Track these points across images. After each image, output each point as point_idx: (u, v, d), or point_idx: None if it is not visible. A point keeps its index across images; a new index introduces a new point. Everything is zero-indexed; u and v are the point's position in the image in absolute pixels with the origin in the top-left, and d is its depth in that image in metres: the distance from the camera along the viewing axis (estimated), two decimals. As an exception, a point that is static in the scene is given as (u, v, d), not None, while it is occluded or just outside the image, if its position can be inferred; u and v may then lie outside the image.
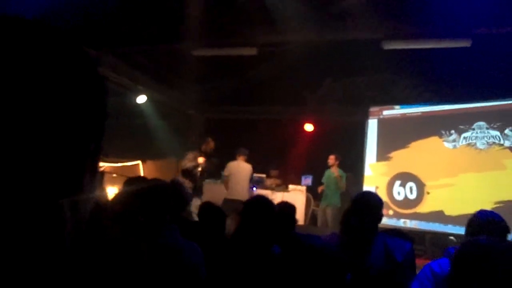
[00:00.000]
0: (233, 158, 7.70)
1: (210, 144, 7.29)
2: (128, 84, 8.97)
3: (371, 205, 2.48)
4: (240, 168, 7.32)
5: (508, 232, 2.34)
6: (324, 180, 7.88)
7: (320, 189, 7.87)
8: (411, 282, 2.22)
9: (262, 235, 2.07)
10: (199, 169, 7.10)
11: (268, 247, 2.07)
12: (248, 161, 7.62)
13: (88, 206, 0.50)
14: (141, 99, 9.26)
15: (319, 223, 7.74)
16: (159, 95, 9.77)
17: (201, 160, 7.03)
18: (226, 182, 7.42)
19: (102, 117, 0.51)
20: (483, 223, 2.28)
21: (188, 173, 6.91)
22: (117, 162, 10.05)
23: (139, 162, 10.87)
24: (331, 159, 7.81)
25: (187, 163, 6.98)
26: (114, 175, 9.21)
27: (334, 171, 7.69)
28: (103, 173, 8.90)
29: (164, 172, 10.50)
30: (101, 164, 8.21)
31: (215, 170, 9.94)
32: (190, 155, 7.11)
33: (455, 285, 1.80)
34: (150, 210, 2.02)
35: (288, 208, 3.04)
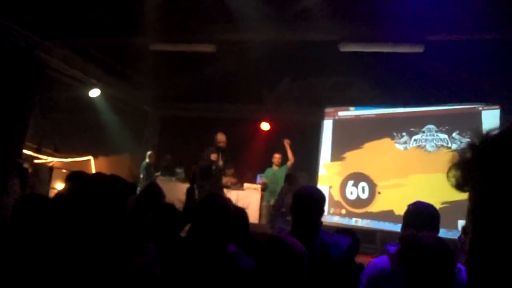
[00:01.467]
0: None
1: (218, 138, 6.62)
2: (81, 77, 8.65)
3: (312, 199, 2.42)
4: None
5: (438, 218, 2.46)
6: (267, 177, 7.95)
7: (262, 181, 7.94)
8: (348, 279, 2.26)
9: (216, 233, 2.03)
10: (214, 167, 6.61)
11: (222, 246, 2.03)
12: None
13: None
14: (94, 93, 8.95)
15: (264, 220, 7.77)
16: (113, 90, 9.48)
17: (214, 157, 6.51)
18: None
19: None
20: (416, 213, 2.40)
21: (205, 173, 6.41)
22: (67, 157, 9.64)
23: (90, 157, 10.48)
24: (279, 158, 7.92)
25: (202, 163, 6.50)
26: (64, 170, 8.83)
27: (277, 168, 7.85)
28: (51, 168, 8.53)
29: (117, 168, 10.17)
30: (50, 159, 7.84)
31: (171, 167, 9.80)
32: (205, 154, 6.60)
33: (398, 279, 1.86)
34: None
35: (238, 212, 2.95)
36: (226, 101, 9.79)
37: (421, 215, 2.39)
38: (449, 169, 0.69)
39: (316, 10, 5.95)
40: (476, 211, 0.65)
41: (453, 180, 0.69)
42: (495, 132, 0.68)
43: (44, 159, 8.86)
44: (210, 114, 10.13)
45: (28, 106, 6.83)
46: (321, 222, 2.48)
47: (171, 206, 3.19)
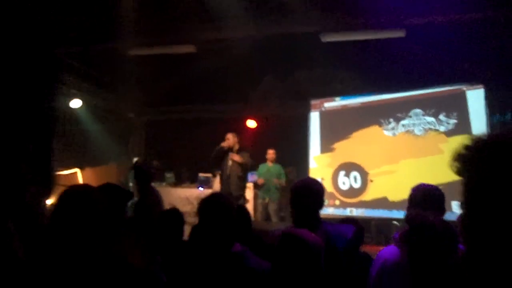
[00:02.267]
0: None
1: (229, 141, 6.54)
2: (61, 89, 8.45)
3: (310, 191, 2.38)
4: None
5: (443, 199, 2.46)
6: (261, 174, 7.90)
7: (260, 181, 7.87)
8: (354, 269, 2.22)
9: (221, 233, 1.96)
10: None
11: (228, 246, 1.96)
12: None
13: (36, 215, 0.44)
14: (75, 103, 8.76)
15: (259, 217, 7.74)
16: (95, 99, 9.31)
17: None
18: None
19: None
20: (422, 196, 2.38)
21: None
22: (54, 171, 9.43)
23: (77, 170, 10.29)
24: (273, 154, 7.90)
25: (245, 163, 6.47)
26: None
27: (271, 164, 7.82)
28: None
29: (105, 178, 9.97)
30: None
31: (158, 173, 9.68)
32: (245, 156, 6.56)
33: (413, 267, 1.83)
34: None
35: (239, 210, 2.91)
36: (211, 101, 9.70)
37: (425, 197, 2.37)
38: (452, 160, 0.91)
39: (295, 2, 5.91)
40: (469, 193, 0.88)
41: (454, 168, 0.91)
42: (485, 137, 0.89)
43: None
44: (195, 115, 10.05)
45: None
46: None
47: (174, 210, 3.12)
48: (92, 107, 9.26)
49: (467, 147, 0.89)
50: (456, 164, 0.91)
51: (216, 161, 6.54)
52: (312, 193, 2.31)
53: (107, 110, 10.03)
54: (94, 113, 9.46)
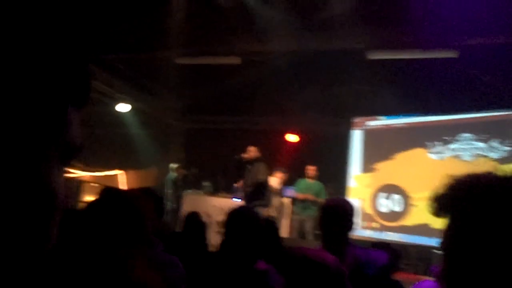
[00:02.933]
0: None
1: (251, 153, 6.50)
2: (108, 92, 8.75)
3: (339, 212, 2.22)
4: None
5: None
6: (300, 190, 7.68)
7: (301, 196, 7.63)
8: None
9: (245, 249, 1.88)
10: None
11: (251, 262, 1.88)
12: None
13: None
14: (122, 107, 9.04)
15: (294, 234, 7.53)
16: (140, 104, 9.57)
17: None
18: None
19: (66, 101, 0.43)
20: None
21: (260, 188, 6.37)
22: (96, 171, 9.75)
23: (119, 171, 10.58)
24: (314, 170, 7.66)
25: (260, 176, 6.41)
26: (93, 184, 8.91)
27: (311, 181, 7.59)
28: (81, 181, 8.61)
29: (145, 181, 10.22)
30: (80, 172, 7.88)
31: (196, 180, 9.75)
32: (261, 168, 6.46)
33: None
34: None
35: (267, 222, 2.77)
36: (251, 112, 9.71)
37: None
38: (431, 199, 0.85)
39: (342, 17, 5.80)
40: (449, 239, 0.82)
41: (432, 209, 0.85)
42: (463, 180, 0.82)
43: (75, 174, 8.96)
44: (235, 126, 10.08)
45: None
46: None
47: (198, 219, 3.09)
48: (137, 111, 9.51)
49: (451, 187, 0.82)
50: (436, 204, 0.84)
51: (235, 170, 6.58)
52: (340, 214, 2.18)
53: (151, 115, 10.26)
54: (138, 118, 9.72)
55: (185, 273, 2.15)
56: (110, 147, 9.91)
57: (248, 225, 1.93)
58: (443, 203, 0.84)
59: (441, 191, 0.84)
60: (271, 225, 2.66)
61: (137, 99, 9.37)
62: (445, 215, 0.83)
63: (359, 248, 2.31)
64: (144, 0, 5.65)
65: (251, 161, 6.42)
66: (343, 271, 1.58)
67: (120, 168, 10.45)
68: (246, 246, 1.90)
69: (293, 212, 7.84)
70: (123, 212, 1.70)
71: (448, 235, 0.83)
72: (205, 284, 1.98)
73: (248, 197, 6.29)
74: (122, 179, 10.28)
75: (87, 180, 9.01)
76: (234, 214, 1.99)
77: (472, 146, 6.52)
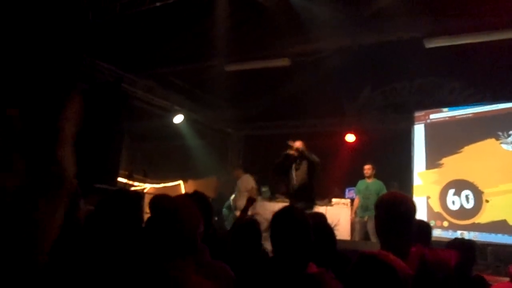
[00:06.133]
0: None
1: (295, 145, 5.98)
2: (164, 105, 9.02)
3: (397, 209, 1.93)
4: None
5: None
6: (359, 191, 7.44)
7: (356, 201, 7.43)
8: None
9: (293, 252, 1.77)
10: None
11: (301, 266, 1.76)
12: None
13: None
14: (178, 119, 9.26)
15: (357, 236, 7.26)
16: (195, 115, 9.77)
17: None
18: None
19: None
20: None
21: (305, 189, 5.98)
22: (159, 183, 10.05)
23: (180, 182, 10.83)
24: (369, 169, 7.38)
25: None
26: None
27: (370, 181, 7.29)
28: (143, 194, 8.90)
29: (205, 190, 10.34)
30: (142, 185, 8.18)
31: (257, 187, 9.74)
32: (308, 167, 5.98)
33: None
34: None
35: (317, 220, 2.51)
36: (307, 115, 9.56)
37: None
38: None
39: (393, 7, 5.51)
40: None
41: None
42: None
43: (138, 186, 9.29)
44: (291, 130, 9.94)
45: (118, 137, 7.20)
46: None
47: (253, 222, 3.01)
48: (193, 122, 9.70)
49: None
50: None
51: (279, 170, 6.07)
52: (400, 211, 1.93)
53: (208, 125, 10.45)
54: (195, 129, 9.91)
55: (236, 279, 2.07)
56: (170, 159, 10.18)
57: (291, 226, 1.82)
58: None
59: None
60: (323, 225, 2.50)
61: (193, 110, 9.59)
62: None
63: (427, 249, 2.10)
64: (189, 13, 5.73)
65: (298, 158, 5.92)
66: (409, 274, 1.42)
67: (180, 178, 10.70)
68: (292, 249, 1.78)
69: (355, 214, 7.58)
70: (166, 220, 1.66)
71: None
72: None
73: (293, 199, 5.94)
74: (182, 189, 10.50)
75: (149, 191, 9.30)
76: (279, 215, 1.88)
77: None
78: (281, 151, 9.20)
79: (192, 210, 1.73)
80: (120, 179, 8.26)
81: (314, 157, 5.87)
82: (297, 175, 5.95)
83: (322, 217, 2.74)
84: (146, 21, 6.03)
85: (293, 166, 5.97)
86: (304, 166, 5.97)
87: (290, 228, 1.83)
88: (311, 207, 5.88)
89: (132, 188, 9.03)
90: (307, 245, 1.81)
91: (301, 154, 5.89)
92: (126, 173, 8.94)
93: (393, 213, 1.95)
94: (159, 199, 2.77)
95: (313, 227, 1.94)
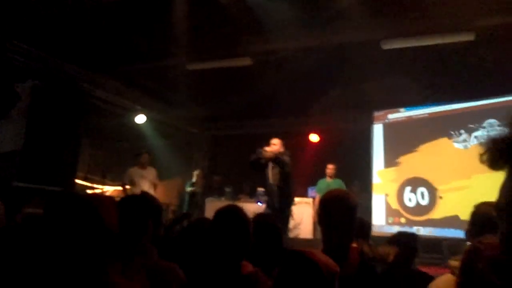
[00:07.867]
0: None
1: (276, 147, 5.67)
2: (126, 104, 8.82)
3: (340, 206, 1.96)
4: None
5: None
6: (321, 190, 7.54)
7: (317, 200, 7.54)
8: None
9: (230, 253, 1.78)
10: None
11: (237, 266, 1.77)
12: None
13: None
14: (140, 119, 9.09)
15: (319, 235, 7.34)
16: (159, 114, 9.61)
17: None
18: None
19: None
20: (487, 220, 1.96)
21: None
22: (117, 185, 9.86)
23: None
24: (333, 169, 7.51)
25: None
26: (116, 198, 8.99)
27: (331, 180, 7.41)
28: (112, 198, 8.70)
29: (169, 192, 10.27)
30: (102, 187, 7.98)
31: (220, 187, 9.70)
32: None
33: None
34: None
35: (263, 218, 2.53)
36: (271, 115, 9.60)
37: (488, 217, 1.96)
38: (483, 153, 0.75)
39: (352, 9, 5.63)
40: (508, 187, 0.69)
41: (486, 160, 0.74)
42: None
43: (96, 188, 9.07)
44: (257, 130, 9.97)
45: (75, 137, 7.02)
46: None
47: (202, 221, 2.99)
48: (156, 122, 9.55)
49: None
50: (493, 153, 0.71)
51: (255, 167, 5.74)
52: (343, 207, 1.97)
53: (172, 125, 10.30)
54: (159, 129, 9.76)
55: (185, 279, 2.06)
56: (130, 160, 9.99)
57: (233, 226, 1.83)
58: (503, 150, 0.71)
59: (500, 137, 0.72)
60: (269, 224, 2.51)
61: (156, 109, 9.43)
62: (503, 166, 0.72)
63: (366, 245, 2.16)
64: (147, 9, 5.64)
65: (277, 158, 5.58)
66: (335, 271, 1.44)
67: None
68: (230, 249, 1.79)
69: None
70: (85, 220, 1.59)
71: (509, 190, 0.71)
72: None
73: (270, 197, 5.77)
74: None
75: (110, 194, 9.10)
76: (220, 213, 1.89)
77: (498, 132, 6.19)
78: (247, 151, 9.20)
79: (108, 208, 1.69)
80: (77, 181, 8.04)
81: (286, 168, 5.58)
82: (273, 174, 5.71)
83: (268, 217, 2.76)
84: (105, 17, 5.89)
85: (269, 165, 5.71)
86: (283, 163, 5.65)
87: (229, 228, 1.84)
88: (289, 206, 5.72)
89: (89, 191, 8.80)
90: (244, 245, 1.82)
91: (275, 159, 5.59)
92: (83, 175, 8.71)
93: (337, 208, 1.99)
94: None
95: (257, 227, 1.96)
